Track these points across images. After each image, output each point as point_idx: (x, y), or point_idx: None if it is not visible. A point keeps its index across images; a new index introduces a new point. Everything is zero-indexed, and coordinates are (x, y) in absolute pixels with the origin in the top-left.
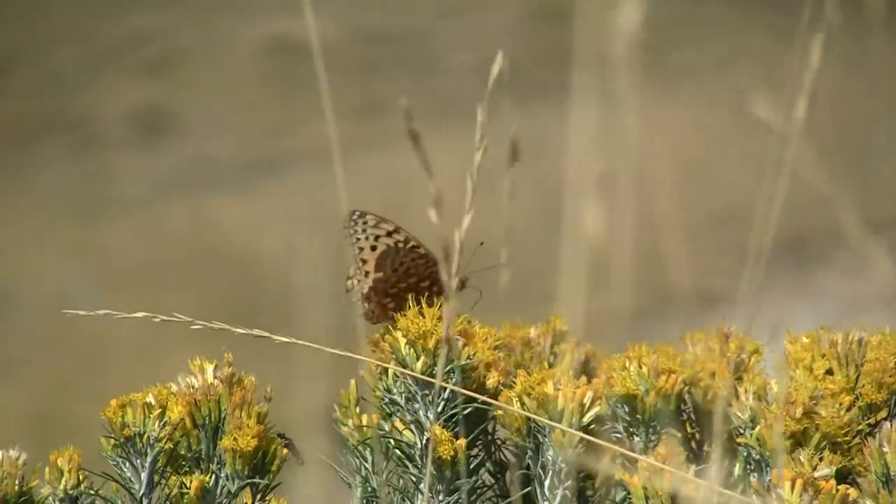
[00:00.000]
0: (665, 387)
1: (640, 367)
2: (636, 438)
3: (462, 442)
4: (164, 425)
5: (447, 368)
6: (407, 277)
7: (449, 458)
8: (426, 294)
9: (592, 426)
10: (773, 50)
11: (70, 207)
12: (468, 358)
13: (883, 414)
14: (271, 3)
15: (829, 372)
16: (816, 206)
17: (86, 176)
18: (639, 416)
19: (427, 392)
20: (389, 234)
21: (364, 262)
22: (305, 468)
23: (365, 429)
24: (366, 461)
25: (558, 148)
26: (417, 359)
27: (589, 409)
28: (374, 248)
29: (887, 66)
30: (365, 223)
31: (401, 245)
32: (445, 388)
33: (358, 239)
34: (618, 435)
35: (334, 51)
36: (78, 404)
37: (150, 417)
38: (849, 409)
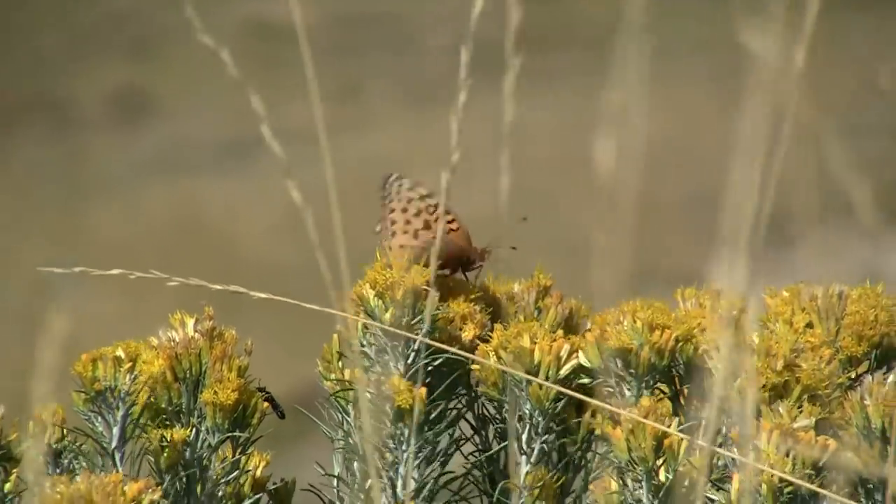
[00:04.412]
0: (659, 342)
1: (635, 322)
2: (628, 392)
3: (422, 391)
4: (135, 379)
5: (416, 320)
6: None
7: (408, 407)
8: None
9: (570, 378)
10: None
11: (50, 189)
12: (437, 308)
13: (864, 367)
14: None
15: (810, 325)
16: (791, 185)
17: (66, 158)
18: (632, 371)
19: (396, 344)
20: (422, 197)
21: (394, 223)
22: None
23: (346, 382)
24: (347, 415)
25: (541, 129)
26: (386, 311)
27: (566, 361)
28: (404, 211)
29: (864, 47)
30: (400, 185)
31: (431, 209)
32: (415, 340)
33: (391, 200)
34: (609, 389)
35: (312, 33)
36: (55, 388)
37: (120, 371)
38: (829, 363)
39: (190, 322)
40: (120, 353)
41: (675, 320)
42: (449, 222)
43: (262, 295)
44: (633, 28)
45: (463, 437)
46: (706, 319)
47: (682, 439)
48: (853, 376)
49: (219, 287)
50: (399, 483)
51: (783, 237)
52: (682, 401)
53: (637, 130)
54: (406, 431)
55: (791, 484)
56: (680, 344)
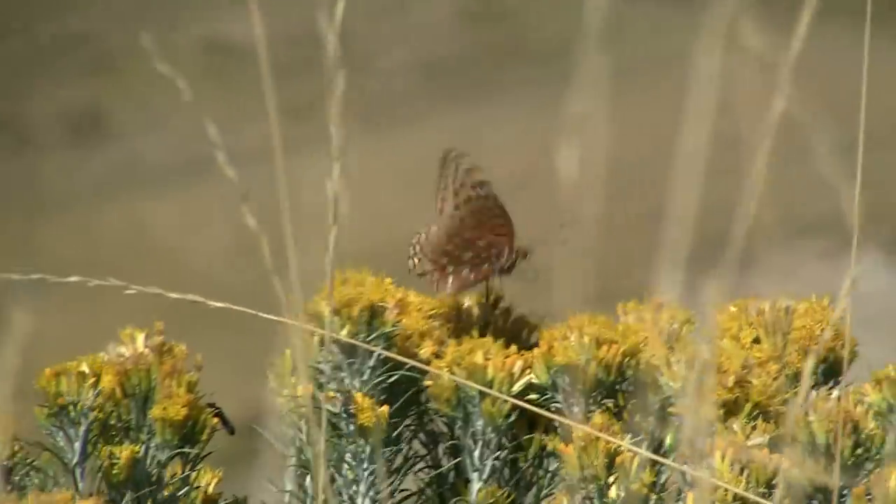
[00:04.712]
0: (606, 357)
1: (582, 337)
2: (576, 409)
3: (385, 409)
4: (98, 394)
5: (372, 336)
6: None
7: (371, 425)
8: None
9: (522, 395)
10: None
11: (3, 208)
12: (394, 325)
13: (810, 382)
14: (203, 5)
15: (757, 341)
16: (744, 204)
17: (19, 176)
18: (579, 387)
19: (353, 361)
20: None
21: (448, 255)
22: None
23: (299, 398)
24: (300, 431)
25: (493, 145)
26: (342, 327)
27: (518, 378)
28: (456, 194)
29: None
30: (456, 168)
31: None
32: (371, 356)
33: (447, 185)
34: (558, 405)
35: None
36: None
37: (84, 386)
38: (776, 378)
39: (140, 337)
40: (84, 367)
41: (621, 335)
42: (499, 225)
43: (220, 304)
44: (592, 41)
45: (416, 455)
46: (648, 334)
47: (633, 456)
48: (799, 391)
49: (176, 296)
50: (360, 500)
51: (748, 258)
52: (626, 416)
53: (598, 144)
54: (368, 449)
55: (746, 502)
56: (626, 359)
